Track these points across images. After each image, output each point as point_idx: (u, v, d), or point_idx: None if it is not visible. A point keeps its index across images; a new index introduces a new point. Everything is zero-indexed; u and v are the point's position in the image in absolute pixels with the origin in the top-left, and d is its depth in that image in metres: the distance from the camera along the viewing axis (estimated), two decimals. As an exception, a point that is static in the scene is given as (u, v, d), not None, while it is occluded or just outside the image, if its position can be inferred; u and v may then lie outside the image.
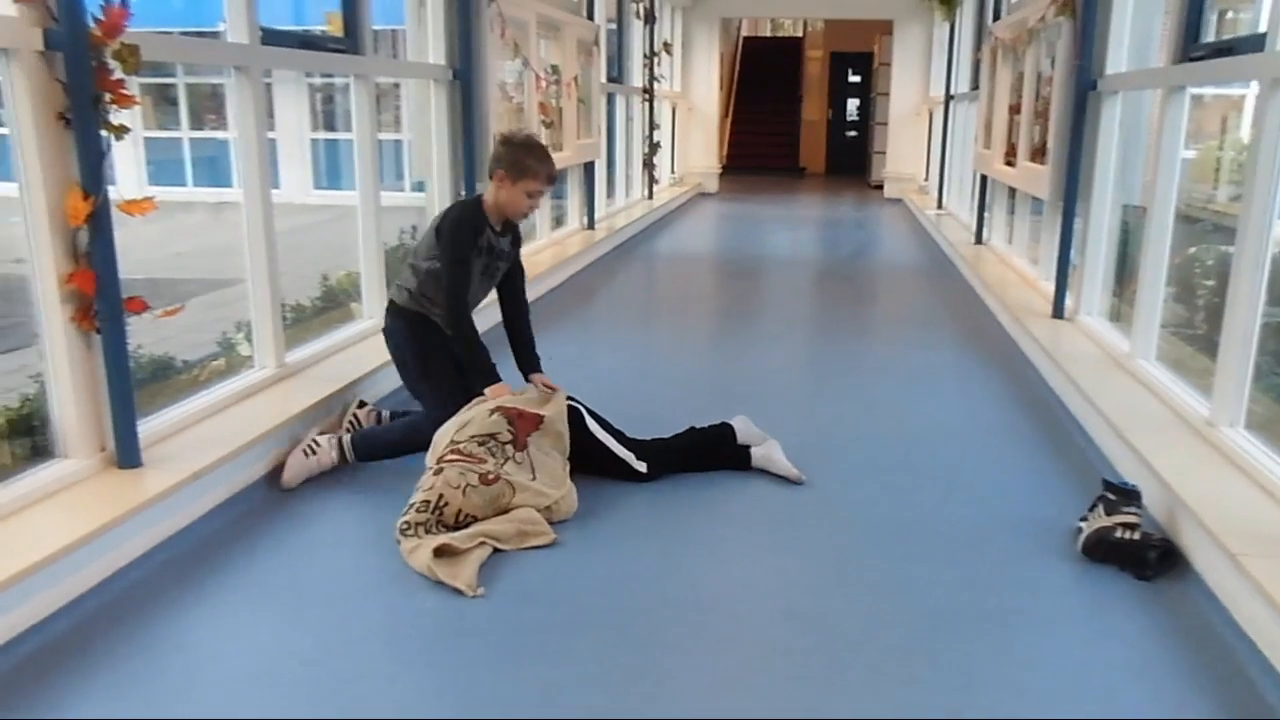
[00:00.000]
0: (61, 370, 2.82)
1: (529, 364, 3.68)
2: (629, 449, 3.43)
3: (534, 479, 3.13)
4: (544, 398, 3.45)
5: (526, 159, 3.41)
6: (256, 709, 2.17)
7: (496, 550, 2.88)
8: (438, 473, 3.04)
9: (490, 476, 3.05)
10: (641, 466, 3.39)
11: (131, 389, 2.95)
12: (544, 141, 4.08)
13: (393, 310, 3.63)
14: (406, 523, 2.90)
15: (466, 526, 2.93)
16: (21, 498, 2.69)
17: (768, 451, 3.53)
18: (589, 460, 3.35)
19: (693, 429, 3.62)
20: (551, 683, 2.28)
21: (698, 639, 2.50)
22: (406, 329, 3.58)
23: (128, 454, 2.95)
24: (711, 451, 3.55)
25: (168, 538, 2.92)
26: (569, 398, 3.46)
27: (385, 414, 3.80)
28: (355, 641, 2.45)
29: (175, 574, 2.75)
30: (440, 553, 2.76)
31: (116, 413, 2.92)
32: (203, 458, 3.07)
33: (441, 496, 2.96)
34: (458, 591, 2.64)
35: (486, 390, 3.42)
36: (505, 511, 3.01)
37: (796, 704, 2.23)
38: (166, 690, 2.24)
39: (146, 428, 3.08)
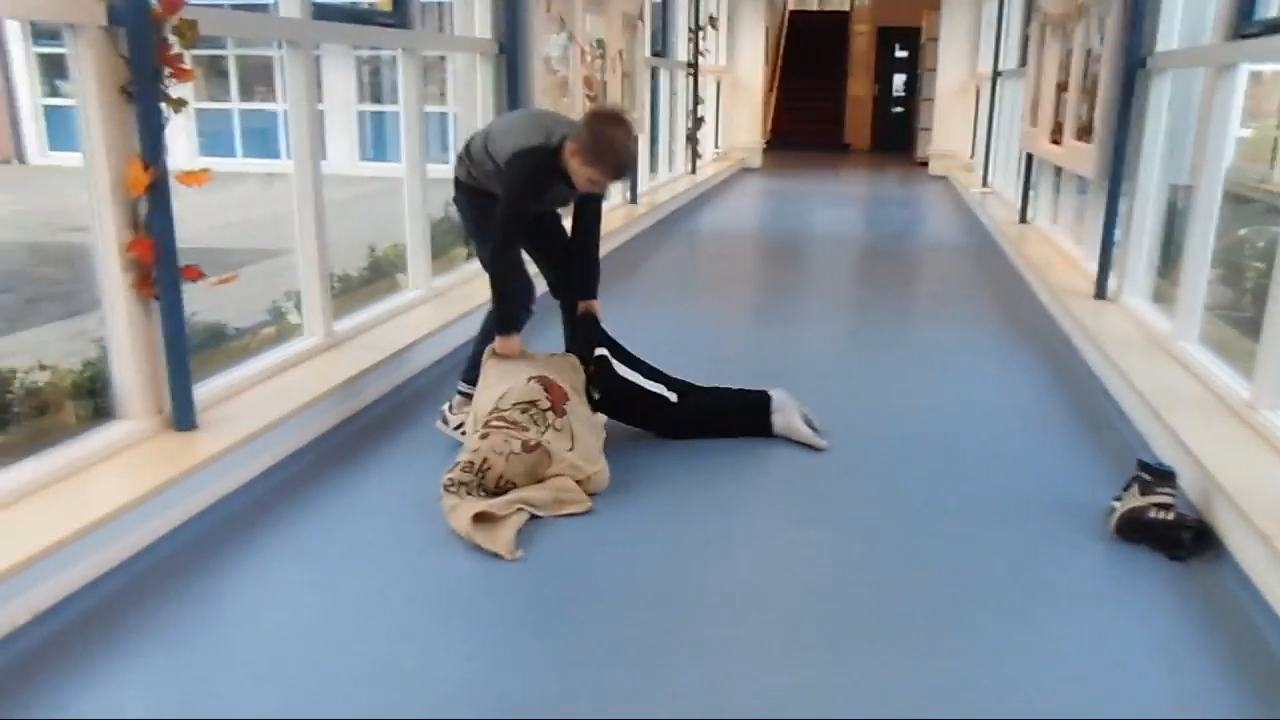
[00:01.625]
0: (122, 335, 2.94)
1: (585, 287, 3.67)
2: (659, 381, 3.52)
3: (571, 449, 3.20)
4: (563, 365, 3.46)
5: (600, 148, 3.25)
6: (300, 661, 2.27)
7: (533, 517, 2.96)
8: (484, 437, 3.12)
9: (532, 444, 3.12)
10: (673, 396, 3.50)
11: (188, 354, 3.06)
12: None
13: (457, 185, 3.64)
14: (451, 480, 3.00)
15: (505, 492, 3.02)
16: (85, 457, 2.81)
17: (788, 420, 3.61)
18: (621, 406, 3.44)
19: (733, 391, 3.69)
20: (583, 647, 2.36)
21: (726, 609, 2.57)
22: (467, 199, 3.61)
23: (184, 417, 3.07)
24: (744, 416, 3.63)
25: (221, 498, 3.04)
26: (597, 352, 3.52)
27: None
28: (395, 601, 2.54)
29: (228, 533, 2.87)
30: (479, 519, 2.85)
31: (173, 377, 3.03)
32: (254, 421, 3.18)
33: (486, 460, 3.04)
34: (496, 555, 2.73)
35: (496, 340, 3.44)
36: (542, 480, 3.09)
37: (823, 673, 2.29)
38: (218, 642, 2.35)
39: (201, 392, 3.19)
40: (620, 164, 3.30)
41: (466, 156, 3.55)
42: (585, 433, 3.29)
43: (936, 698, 2.18)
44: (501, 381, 3.35)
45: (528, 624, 2.45)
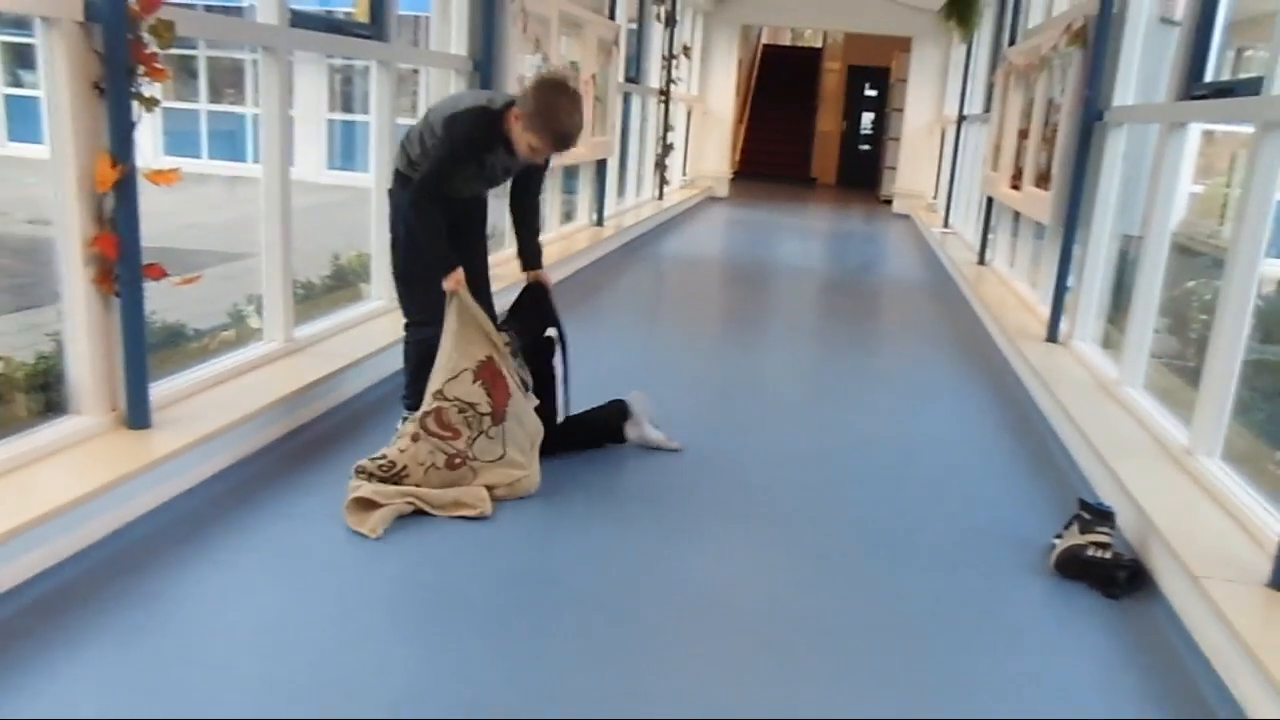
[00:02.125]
0: (79, 330, 2.92)
1: (530, 259, 3.62)
2: (563, 407, 3.57)
3: (502, 456, 3.24)
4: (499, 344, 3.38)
5: (546, 114, 3.17)
6: (255, 665, 2.27)
7: (419, 512, 3.03)
8: (414, 438, 3.17)
9: (457, 461, 3.18)
10: (563, 413, 3.55)
11: (145, 352, 3.05)
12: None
13: (395, 177, 3.52)
14: (361, 466, 3.13)
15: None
16: (35, 450, 2.79)
17: (641, 432, 3.72)
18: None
19: (595, 411, 3.74)
20: (535, 658, 2.38)
21: (680, 623, 2.61)
22: (403, 189, 3.43)
23: (138, 415, 3.05)
24: (602, 428, 3.71)
25: (174, 497, 3.03)
26: (553, 330, 3.55)
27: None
28: (348, 605, 2.55)
29: (181, 532, 2.85)
30: (359, 503, 2.96)
31: (130, 374, 3.02)
32: (210, 423, 3.17)
33: (405, 467, 3.13)
34: (360, 535, 2.87)
35: (445, 280, 3.29)
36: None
37: (770, 690, 2.33)
38: (169, 640, 2.34)
39: (157, 391, 3.17)
40: (563, 132, 3.21)
41: (406, 144, 3.46)
42: (519, 433, 3.30)
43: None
44: (455, 355, 3.28)
45: (481, 629, 2.47)
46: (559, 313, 3.62)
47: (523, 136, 3.22)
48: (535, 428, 3.38)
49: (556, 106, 3.19)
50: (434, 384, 3.28)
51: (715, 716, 2.22)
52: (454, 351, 3.29)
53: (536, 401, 3.44)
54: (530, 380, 3.47)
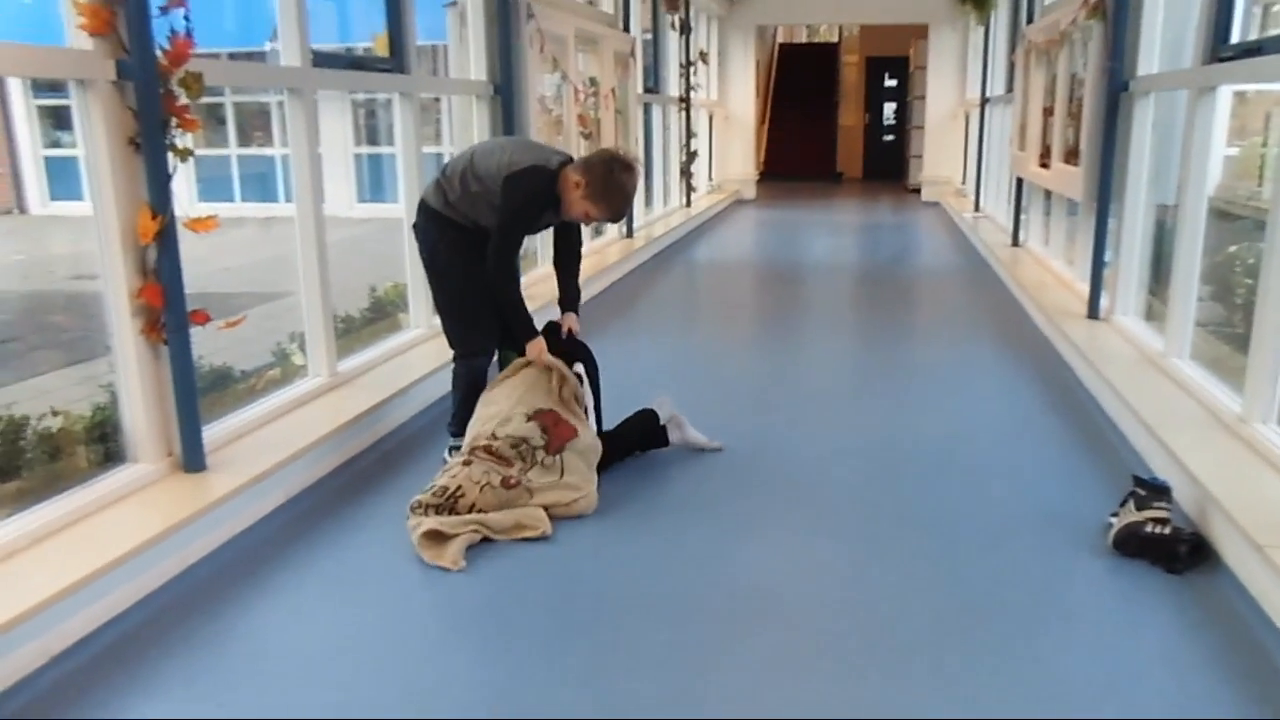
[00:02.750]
0: (132, 379, 3.00)
1: (567, 303, 3.76)
2: (598, 430, 3.58)
3: (560, 478, 3.27)
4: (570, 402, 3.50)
5: (610, 189, 3.35)
6: (318, 693, 2.31)
7: (486, 540, 3.04)
8: (466, 464, 3.22)
9: (512, 481, 3.20)
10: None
11: (196, 397, 3.12)
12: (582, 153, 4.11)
13: (424, 210, 3.61)
14: (418, 502, 3.13)
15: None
16: (98, 499, 2.86)
17: (683, 433, 3.74)
18: None
19: (628, 421, 3.75)
20: (598, 670, 2.40)
21: (733, 622, 2.62)
22: (438, 229, 3.57)
23: (193, 458, 3.12)
24: (642, 438, 3.71)
25: (232, 536, 3.09)
26: (580, 366, 3.60)
27: None
28: (408, 631, 2.59)
29: (240, 570, 2.91)
30: (429, 536, 2.97)
31: (183, 419, 3.09)
32: (263, 462, 3.23)
33: (460, 488, 3.14)
34: (444, 569, 2.87)
35: (527, 346, 3.49)
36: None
37: (827, 685, 2.33)
38: (235, 676, 2.39)
39: (210, 434, 3.25)
40: (623, 210, 3.47)
41: (444, 181, 3.55)
42: (578, 462, 3.35)
43: (947, 710, 2.22)
44: (508, 403, 3.39)
45: (542, 645, 2.49)
46: (586, 343, 3.70)
47: (580, 203, 3.38)
48: (595, 452, 3.42)
49: (623, 183, 3.38)
50: (486, 430, 3.33)
51: (777, 716, 2.22)
52: (510, 396, 3.41)
53: (597, 444, 3.48)
54: (590, 403, 3.54)
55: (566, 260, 3.76)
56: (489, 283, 3.46)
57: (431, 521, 3.02)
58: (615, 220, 3.53)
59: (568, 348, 3.65)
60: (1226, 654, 2.45)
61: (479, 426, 3.39)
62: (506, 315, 3.55)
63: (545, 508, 3.19)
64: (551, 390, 3.47)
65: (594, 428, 3.55)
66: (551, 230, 3.71)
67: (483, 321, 3.60)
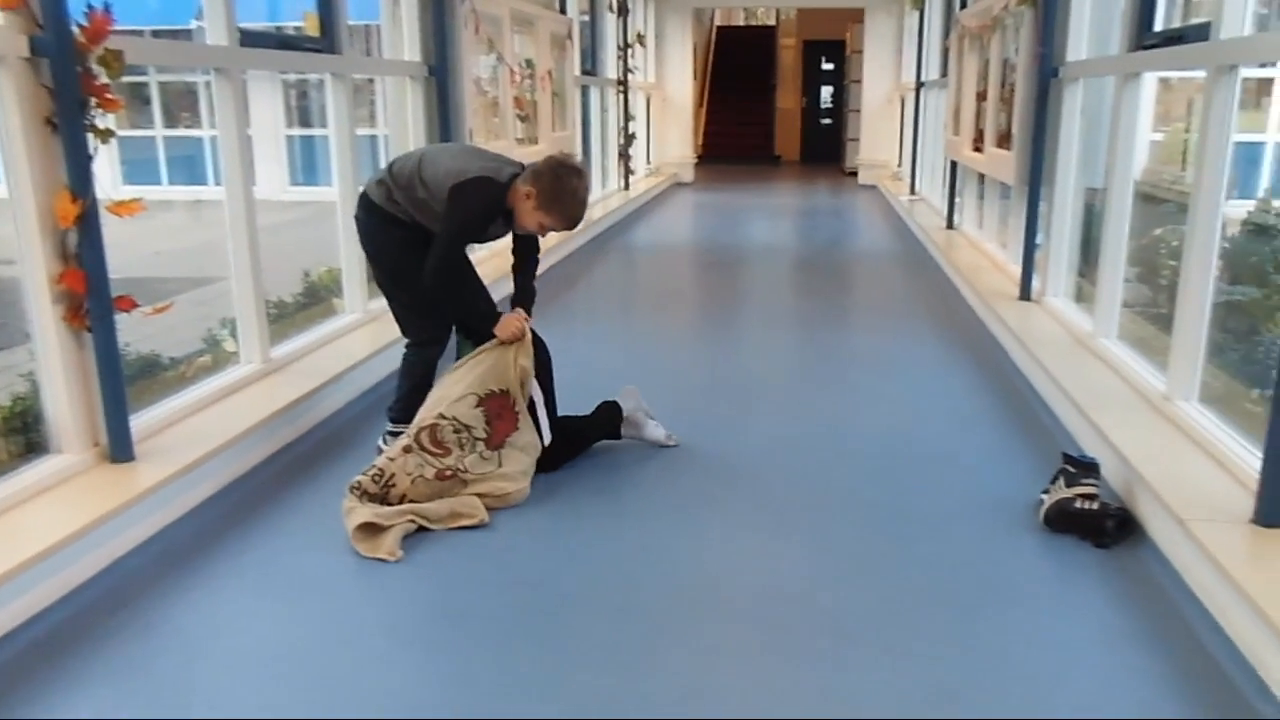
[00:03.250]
0: (54, 368, 2.90)
1: (521, 302, 3.60)
2: (549, 418, 3.49)
3: (498, 468, 3.25)
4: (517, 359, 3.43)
5: (562, 198, 3.28)
6: (254, 693, 2.27)
7: (423, 529, 3.02)
8: (406, 450, 3.18)
9: (446, 473, 3.18)
10: (547, 438, 3.44)
11: (123, 385, 3.03)
12: (519, 135, 4.06)
13: (365, 204, 3.50)
14: (356, 483, 3.10)
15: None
16: (19, 492, 2.77)
17: (638, 430, 3.70)
18: None
19: (589, 417, 3.70)
20: (543, 663, 2.39)
21: (681, 616, 2.62)
22: (379, 225, 3.48)
23: (120, 448, 3.03)
24: (598, 434, 3.68)
25: (162, 529, 3.01)
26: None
27: None
28: (350, 627, 2.55)
29: (171, 563, 2.84)
30: (363, 529, 2.93)
31: (108, 408, 3.00)
32: (194, 451, 3.16)
33: (393, 476, 3.12)
34: (380, 560, 2.84)
35: (497, 330, 3.39)
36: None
37: (777, 676, 2.35)
38: (165, 675, 2.33)
39: (138, 423, 3.16)
40: (576, 216, 3.35)
41: (389, 179, 3.43)
42: (518, 456, 3.33)
43: (891, 695, 2.25)
44: (461, 386, 3.33)
45: (481, 638, 2.48)
46: (539, 342, 3.60)
47: (533, 215, 3.31)
48: (534, 448, 3.39)
49: (573, 191, 3.30)
50: (433, 410, 3.29)
51: (723, 707, 2.23)
52: (466, 377, 3.35)
53: (539, 426, 3.43)
54: (538, 397, 3.47)
55: (524, 264, 3.66)
56: (427, 291, 3.34)
57: (366, 513, 2.98)
58: (571, 228, 3.40)
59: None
60: (1152, 625, 2.52)
61: (427, 409, 3.34)
62: (459, 318, 3.52)
63: (480, 495, 3.17)
64: (510, 367, 3.39)
65: (543, 422, 3.48)
66: (510, 236, 3.60)
67: (437, 311, 3.53)
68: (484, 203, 3.30)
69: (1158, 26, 4.16)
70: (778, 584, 2.78)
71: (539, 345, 3.56)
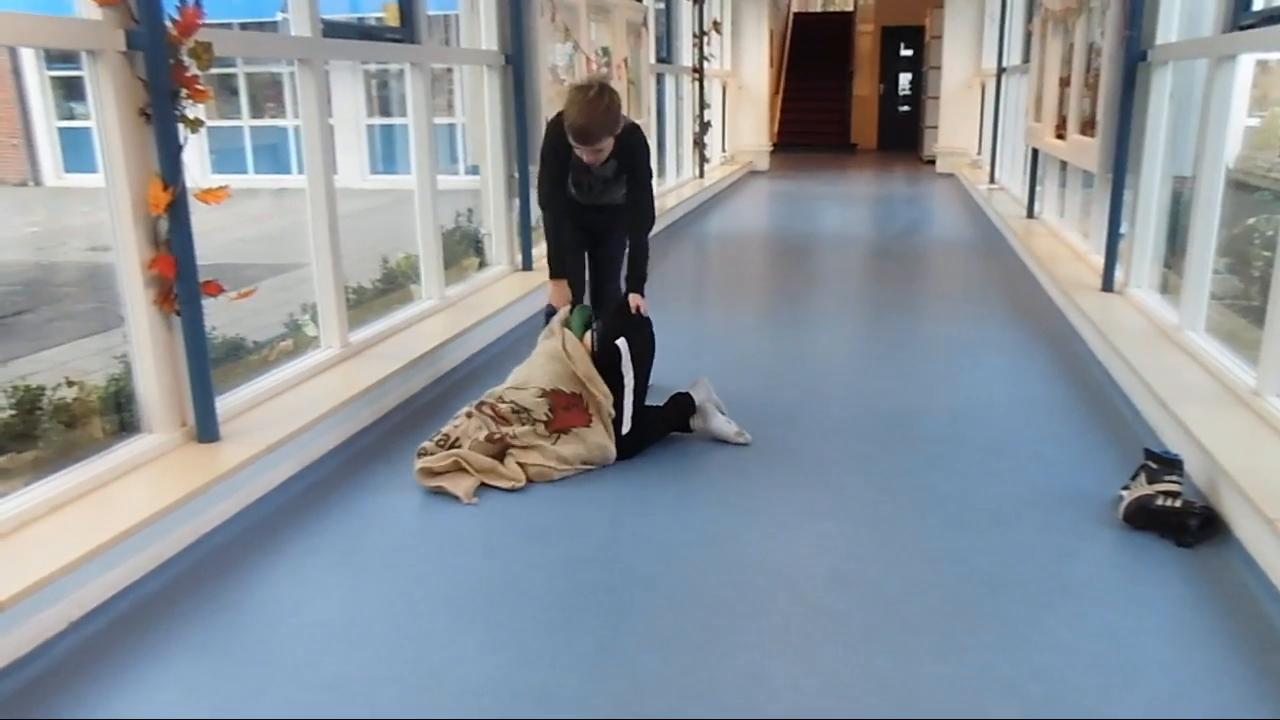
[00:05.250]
0: (145, 350, 3.02)
1: (630, 283, 3.89)
2: (632, 410, 3.53)
3: (552, 446, 3.37)
4: (593, 394, 3.51)
5: (567, 113, 3.54)
6: (330, 663, 2.33)
7: (485, 486, 3.25)
8: (468, 415, 3.43)
9: (496, 436, 3.35)
10: (626, 426, 3.50)
11: (209, 367, 3.14)
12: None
13: None
14: (423, 448, 3.36)
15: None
16: (113, 469, 2.89)
17: (705, 423, 3.67)
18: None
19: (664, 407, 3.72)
20: (605, 643, 2.42)
21: (745, 602, 2.62)
22: None
23: (206, 429, 3.14)
24: (671, 422, 3.68)
25: (246, 506, 3.12)
26: (621, 341, 3.61)
27: None
28: (420, 601, 2.61)
29: (254, 539, 2.94)
30: (427, 475, 3.24)
31: (196, 390, 3.11)
32: (276, 432, 3.25)
33: (456, 439, 3.36)
34: (456, 499, 3.15)
35: (551, 291, 3.89)
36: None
37: (839, 664, 2.34)
38: (247, 647, 2.42)
39: (223, 404, 3.27)
40: (578, 125, 3.52)
41: None
42: (577, 448, 3.40)
43: (954, 687, 2.23)
44: (528, 371, 3.55)
45: (546, 616, 2.51)
46: (644, 329, 3.74)
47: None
48: (600, 451, 3.43)
49: (570, 103, 3.55)
50: (496, 389, 3.52)
51: (784, 693, 2.24)
52: (528, 369, 3.56)
53: (621, 413, 3.51)
54: (629, 383, 3.56)
55: (629, 225, 3.96)
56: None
57: (424, 461, 3.27)
58: (582, 143, 3.57)
59: (620, 322, 3.71)
60: (1235, 627, 2.45)
61: (497, 388, 3.56)
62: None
63: (524, 464, 3.31)
64: (568, 363, 3.51)
65: (627, 409, 3.52)
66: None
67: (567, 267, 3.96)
68: (550, 132, 3.74)
69: (1257, 5, 4.00)
70: (843, 571, 2.77)
71: (636, 331, 3.63)
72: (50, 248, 10.72)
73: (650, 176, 3.91)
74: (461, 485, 3.19)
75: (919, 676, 2.26)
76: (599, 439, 3.44)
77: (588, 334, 3.67)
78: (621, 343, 3.60)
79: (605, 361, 3.58)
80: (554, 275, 3.94)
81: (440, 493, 3.20)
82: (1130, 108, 5.09)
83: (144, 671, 2.30)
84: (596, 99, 3.50)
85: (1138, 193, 5.12)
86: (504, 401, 3.45)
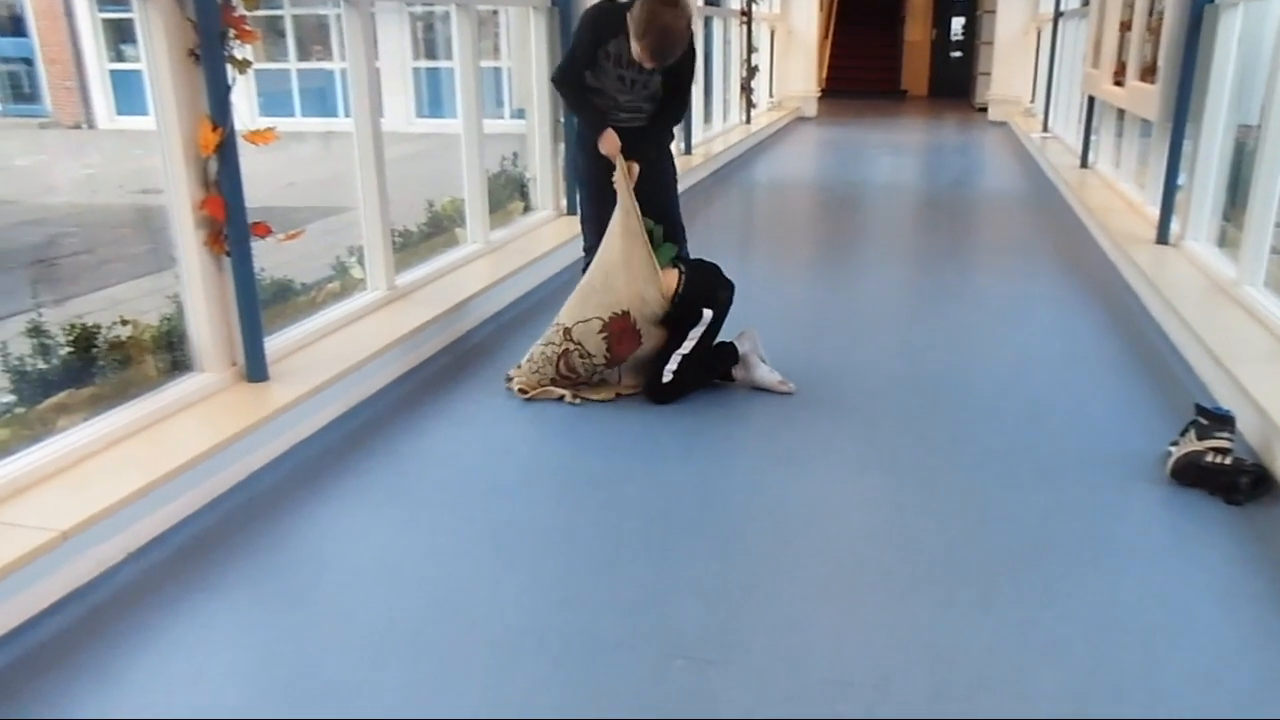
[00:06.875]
0: (196, 291, 3.06)
1: (660, 135, 3.91)
2: (680, 359, 3.55)
3: (618, 381, 3.67)
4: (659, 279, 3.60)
5: (648, 27, 3.44)
6: (377, 600, 2.39)
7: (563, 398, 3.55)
8: (546, 343, 3.64)
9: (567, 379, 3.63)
10: (668, 375, 3.54)
11: (259, 308, 3.18)
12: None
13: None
14: (509, 375, 3.69)
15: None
16: (165, 407, 2.95)
17: (749, 373, 3.67)
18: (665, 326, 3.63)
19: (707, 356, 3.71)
20: (648, 590, 2.44)
21: (788, 553, 2.63)
22: (577, 138, 3.97)
23: (256, 368, 3.20)
24: (713, 370, 3.69)
25: (294, 445, 3.18)
26: (708, 312, 3.60)
27: None
28: (465, 544, 2.65)
29: (303, 478, 3.00)
30: (521, 391, 3.56)
31: (245, 330, 3.16)
32: (323, 373, 3.30)
33: (543, 366, 3.62)
34: (560, 399, 3.53)
35: (600, 141, 3.69)
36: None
37: (880, 614, 2.35)
38: (296, 583, 2.48)
39: (271, 345, 3.32)
40: (660, 48, 3.47)
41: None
42: (630, 371, 3.67)
43: (997, 643, 2.22)
44: (596, 299, 3.59)
45: (589, 560, 2.55)
46: (726, 299, 3.69)
47: (632, 43, 3.52)
48: (653, 354, 3.64)
49: (661, 20, 3.44)
50: (567, 317, 3.61)
51: (821, 642, 2.25)
52: (597, 293, 3.61)
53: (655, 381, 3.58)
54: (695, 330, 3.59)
55: (662, 115, 3.84)
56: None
57: (517, 384, 3.60)
58: (655, 62, 3.52)
59: (710, 285, 3.67)
60: (1282, 586, 2.42)
61: (573, 306, 3.63)
62: (575, 115, 3.93)
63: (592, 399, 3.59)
64: (628, 286, 3.57)
65: (673, 364, 3.56)
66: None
67: (600, 226, 3.75)
68: (591, 21, 3.66)
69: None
70: (887, 525, 2.77)
71: (725, 300, 3.68)
72: (105, 190, 10.87)
73: (692, 82, 3.95)
74: (556, 393, 3.55)
75: (961, 631, 2.26)
76: (652, 344, 3.63)
77: (674, 272, 3.65)
78: (707, 313, 3.58)
79: (682, 313, 3.59)
80: (600, 127, 3.71)
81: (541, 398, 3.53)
82: (1195, 53, 4.92)
83: (200, 602, 2.37)
84: (679, 14, 3.47)
85: (1198, 142, 4.97)
86: (573, 343, 3.57)
